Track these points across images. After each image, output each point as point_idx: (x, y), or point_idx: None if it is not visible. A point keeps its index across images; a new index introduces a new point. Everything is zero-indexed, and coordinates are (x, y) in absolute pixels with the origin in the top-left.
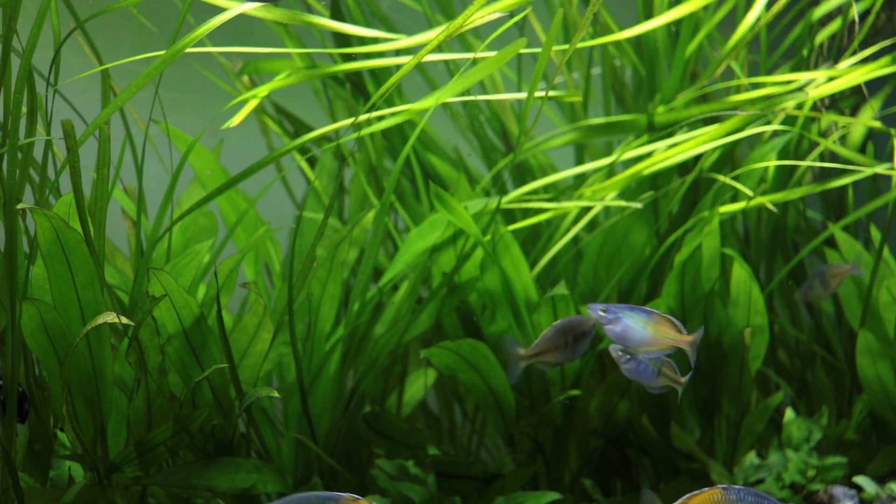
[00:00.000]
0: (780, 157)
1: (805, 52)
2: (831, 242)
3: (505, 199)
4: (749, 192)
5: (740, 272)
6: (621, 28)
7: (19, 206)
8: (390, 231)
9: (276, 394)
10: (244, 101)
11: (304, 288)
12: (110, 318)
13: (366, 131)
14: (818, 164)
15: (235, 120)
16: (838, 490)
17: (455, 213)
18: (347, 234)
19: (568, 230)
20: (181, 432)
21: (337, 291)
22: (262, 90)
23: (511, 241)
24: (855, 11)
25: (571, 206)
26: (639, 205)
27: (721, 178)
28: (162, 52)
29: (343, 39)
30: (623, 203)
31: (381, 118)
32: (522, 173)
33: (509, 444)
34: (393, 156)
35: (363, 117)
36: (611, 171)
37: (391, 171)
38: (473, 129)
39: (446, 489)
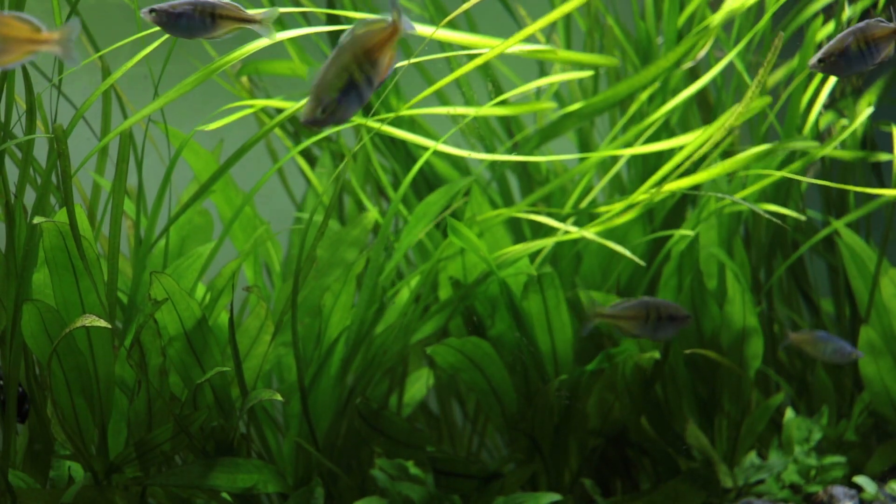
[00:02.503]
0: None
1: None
2: (833, 239)
3: (515, 209)
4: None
5: (731, 271)
6: (623, 28)
7: (35, 221)
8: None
9: (278, 397)
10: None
11: (304, 288)
12: (88, 320)
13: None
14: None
15: (211, 125)
16: (838, 490)
17: (468, 243)
18: (376, 245)
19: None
20: (181, 433)
21: (349, 302)
22: (263, 103)
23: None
24: (847, 13)
25: (576, 233)
26: (641, 263)
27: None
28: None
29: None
30: (625, 252)
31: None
32: (528, 173)
33: (509, 443)
34: (392, 154)
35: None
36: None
37: (387, 168)
38: (477, 133)
39: (445, 487)
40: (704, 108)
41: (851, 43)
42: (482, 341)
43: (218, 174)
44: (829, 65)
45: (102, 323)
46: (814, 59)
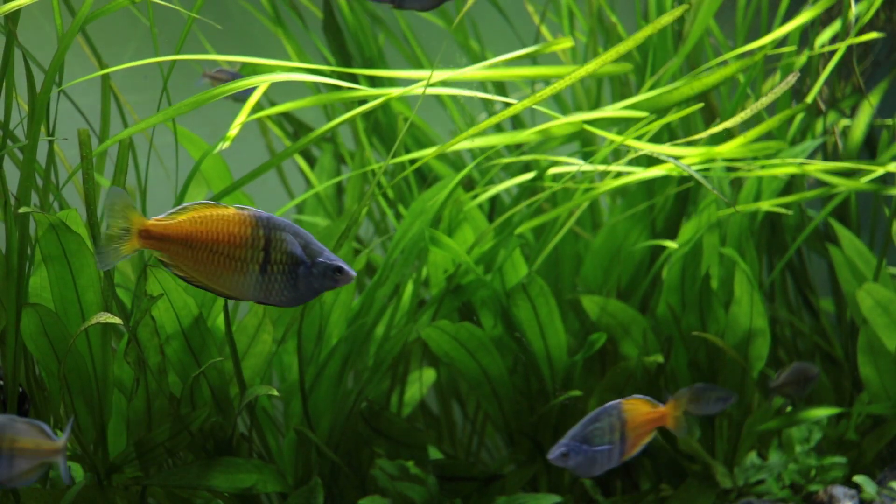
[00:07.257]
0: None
1: (805, 55)
2: (833, 239)
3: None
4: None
5: (741, 272)
6: (627, 30)
7: (21, 210)
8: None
9: (275, 392)
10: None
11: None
12: (104, 318)
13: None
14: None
15: (229, 139)
16: (838, 490)
17: (449, 250)
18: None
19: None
20: (181, 432)
21: (349, 299)
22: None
23: (515, 251)
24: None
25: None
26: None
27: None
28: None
29: (338, 41)
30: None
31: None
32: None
33: (509, 444)
34: (387, 150)
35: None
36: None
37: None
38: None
39: (447, 490)
40: (706, 111)
41: None
42: (476, 328)
43: (231, 188)
44: None
45: (116, 320)
46: None
